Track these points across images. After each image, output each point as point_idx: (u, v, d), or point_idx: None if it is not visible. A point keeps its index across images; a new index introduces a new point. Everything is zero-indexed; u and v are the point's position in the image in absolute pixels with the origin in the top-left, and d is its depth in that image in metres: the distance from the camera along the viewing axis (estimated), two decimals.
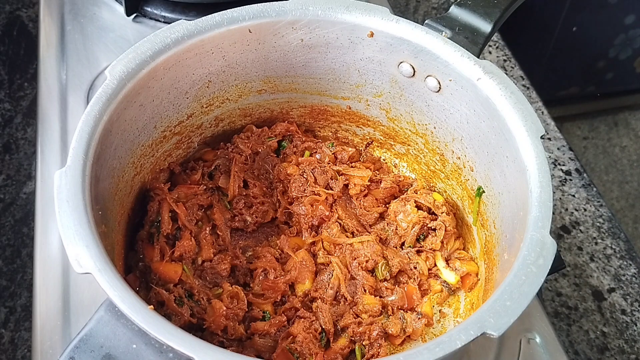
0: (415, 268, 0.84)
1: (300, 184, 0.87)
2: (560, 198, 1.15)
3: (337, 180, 0.88)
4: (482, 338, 0.56)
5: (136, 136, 0.76)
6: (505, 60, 1.37)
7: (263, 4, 0.78)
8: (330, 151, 0.92)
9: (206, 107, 0.85)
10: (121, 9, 1.11)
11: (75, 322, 0.79)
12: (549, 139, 1.22)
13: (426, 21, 0.79)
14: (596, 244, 1.10)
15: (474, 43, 0.78)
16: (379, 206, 0.88)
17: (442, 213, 0.86)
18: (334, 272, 0.81)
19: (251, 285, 0.81)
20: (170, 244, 0.79)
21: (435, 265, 0.85)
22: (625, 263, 1.08)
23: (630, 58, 2.17)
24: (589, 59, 2.15)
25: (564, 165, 1.19)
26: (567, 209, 1.14)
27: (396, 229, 0.86)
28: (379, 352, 0.76)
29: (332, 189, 0.87)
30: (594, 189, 1.16)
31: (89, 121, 0.66)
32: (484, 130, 0.76)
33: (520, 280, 0.59)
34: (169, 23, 0.77)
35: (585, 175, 1.18)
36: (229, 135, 0.91)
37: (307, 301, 0.80)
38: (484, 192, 0.80)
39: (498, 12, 0.80)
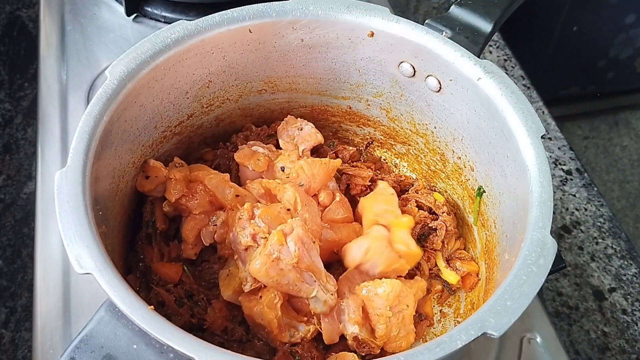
0: (416, 268, 0.84)
1: None
2: (560, 198, 1.15)
3: (340, 180, 0.87)
4: (483, 338, 0.56)
5: (136, 136, 0.76)
6: (505, 60, 1.37)
7: (263, 4, 0.78)
8: (331, 150, 0.92)
9: (206, 107, 0.85)
10: (121, 9, 1.11)
11: (76, 322, 0.79)
12: (550, 138, 1.22)
13: (426, 21, 0.79)
14: (597, 243, 1.10)
15: (475, 43, 0.78)
16: None
17: (442, 213, 0.85)
18: None
19: None
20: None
21: (436, 265, 0.85)
22: (626, 263, 1.08)
23: (630, 57, 2.16)
24: (589, 59, 2.15)
25: (564, 164, 1.19)
26: (567, 209, 1.14)
27: None
28: None
29: None
30: (595, 188, 1.16)
31: (89, 121, 0.66)
32: (484, 130, 0.76)
33: (521, 280, 0.59)
34: (169, 23, 0.76)
35: (585, 175, 1.18)
36: (229, 135, 0.91)
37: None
38: (484, 192, 0.80)
39: (498, 11, 0.80)
